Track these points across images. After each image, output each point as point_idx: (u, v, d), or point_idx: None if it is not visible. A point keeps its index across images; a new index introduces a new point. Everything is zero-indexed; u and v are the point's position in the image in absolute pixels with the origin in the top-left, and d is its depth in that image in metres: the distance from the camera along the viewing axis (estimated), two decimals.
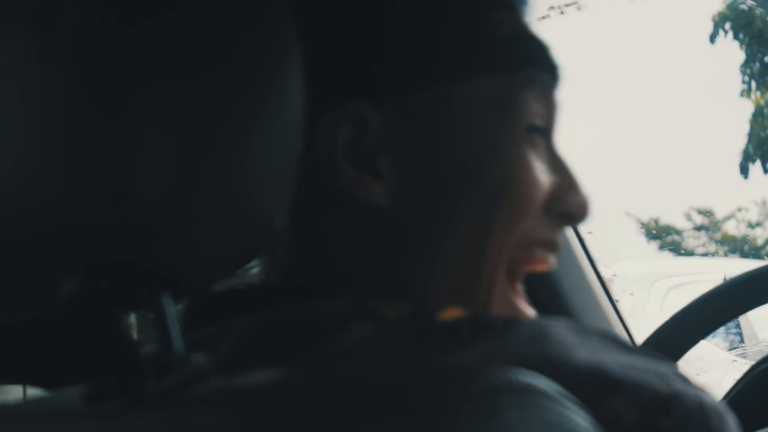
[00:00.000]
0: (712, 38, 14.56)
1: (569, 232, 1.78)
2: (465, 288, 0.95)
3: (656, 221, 18.36)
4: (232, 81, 0.72)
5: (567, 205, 1.00)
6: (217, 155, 0.71)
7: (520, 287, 1.01)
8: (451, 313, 0.82)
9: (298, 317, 0.88)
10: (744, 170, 15.97)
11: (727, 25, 14.25)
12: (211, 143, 0.70)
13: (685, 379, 0.78)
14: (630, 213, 17.54)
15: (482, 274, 0.96)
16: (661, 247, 18.71)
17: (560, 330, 0.80)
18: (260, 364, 0.76)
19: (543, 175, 0.99)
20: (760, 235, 17.95)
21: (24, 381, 0.77)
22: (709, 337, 1.77)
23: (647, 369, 0.77)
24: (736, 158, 15.59)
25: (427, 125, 0.97)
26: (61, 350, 0.69)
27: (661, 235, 18.62)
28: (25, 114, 0.69)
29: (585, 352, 0.78)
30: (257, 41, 0.74)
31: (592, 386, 0.74)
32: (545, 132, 1.02)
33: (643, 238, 18.18)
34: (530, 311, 1.02)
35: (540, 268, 1.02)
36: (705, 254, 17.18)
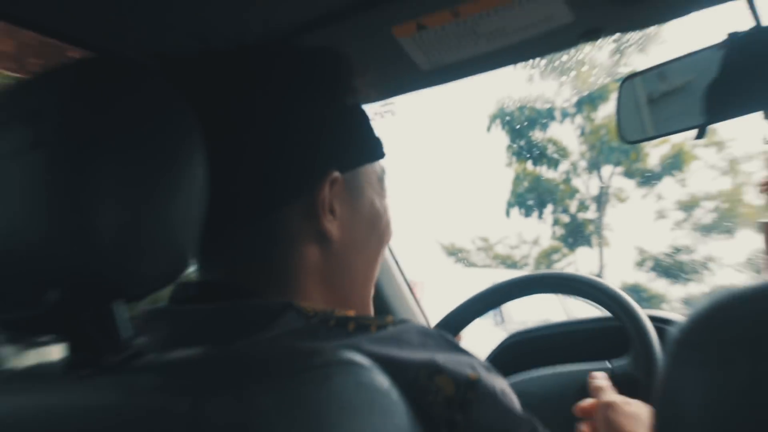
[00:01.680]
0: (489, 129, 15.88)
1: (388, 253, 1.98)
2: (364, 292, 1.11)
3: (453, 245, 19.15)
4: (154, 163, 0.78)
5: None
6: (146, 213, 0.77)
7: None
8: (349, 313, 0.93)
9: (247, 309, 0.96)
10: (507, 213, 15.91)
11: (498, 121, 15.90)
12: (143, 203, 0.76)
13: (488, 369, 0.90)
14: (437, 240, 19.05)
15: (370, 281, 1.12)
16: (456, 261, 19.30)
17: (409, 334, 0.90)
18: (212, 341, 0.85)
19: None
20: (517, 254, 18.12)
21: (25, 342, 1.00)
22: (482, 317, 1.80)
23: (464, 361, 0.88)
24: (502, 205, 15.97)
25: (358, 188, 1.11)
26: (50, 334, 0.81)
27: (456, 253, 19.03)
28: (23, 183, 0.74)
29: (423, 350, 0.87)
30: (174, 135, 0.81)
31: (427, 370, 0.84)
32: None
33: (444, 256, 18.97)
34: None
35: None
36: (485, 266, 14.25)
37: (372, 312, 1.14)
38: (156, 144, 0.79)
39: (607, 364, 1.61)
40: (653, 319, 1.54)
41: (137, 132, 0.78)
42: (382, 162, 1.17)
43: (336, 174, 1.06)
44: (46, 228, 0.74)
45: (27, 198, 0.75)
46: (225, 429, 0.67)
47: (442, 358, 0.87)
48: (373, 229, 1.12)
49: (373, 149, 1.15)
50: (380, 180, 1.16)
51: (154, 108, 0.81)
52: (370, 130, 1.15)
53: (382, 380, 0.77)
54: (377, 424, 0.75)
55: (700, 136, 1.38)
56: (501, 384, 0.90)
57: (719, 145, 15.52)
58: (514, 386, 1.63)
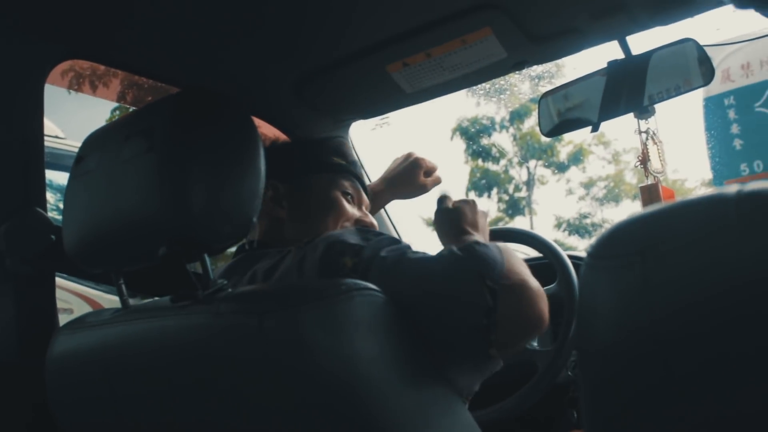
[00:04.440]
0: (451, 138, 15.71)
1: (389, 224, 1.82)
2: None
3: (430, 219, 13.30)
4: (229, 162, 0.77)
5: (362, 222, 1.15)
6: (227, 190, 0.76)
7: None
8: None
9: (266, 253, 1.03)
10: (467, 194, 15.72)
11: (457, 132, 15.77)
12: (222, 187, 0.75)
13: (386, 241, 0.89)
14: (419, 215, 14.82)
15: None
16: (433, 230, 13.08)
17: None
18: (252, 277, 0.97)
19: (350, 209, 1.16)
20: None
21: (144, 293, 1.07)
22: None
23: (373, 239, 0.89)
24: (464, 190, 15.80)
25: (303, 189, 1.16)
26: (160, 280, 0.81)
27: (432, 224, 13.32)
28: (140, 176, 0.74)
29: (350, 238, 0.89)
30: (243, 142, 0.79)
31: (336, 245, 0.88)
32: (355, 196, 1.19)
33: (424, 226, 14.23)
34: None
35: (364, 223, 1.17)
36: None
37: None
38: (230, 147, 0.79)
39: None
40: (571, 257, 1.51)
41: (218, 140, 0.78)
42: (344, 175, 1.20)
43: (276, 183, 1.15)
44: (156, 205, 0.74)
45: (144, 186, 0.75)
46: (281, 336, 0.68)
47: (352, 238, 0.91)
48: (322, 214, 1.15)
49: (316, 167, 1.18)
50: (335, 185, 1.18)
51: (228, 123, 0.80)
52: (312, 157, 1.20)
53: (384, 300, 0.76)
54: (381, 330, 0.75)
55: (594, 130, 1.39)
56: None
57: (606, 143, 15.51)
58: None
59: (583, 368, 0.58)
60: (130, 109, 1.61)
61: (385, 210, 1.82)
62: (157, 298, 0.90)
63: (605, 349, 0.54)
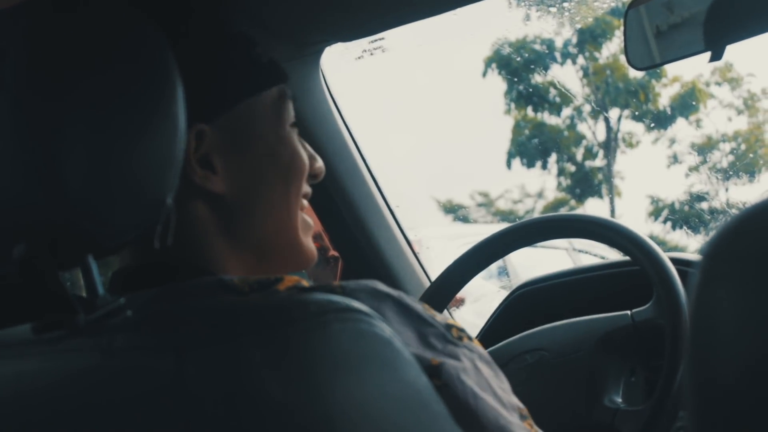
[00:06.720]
0: (484, 74, 15.62)
1: (384, 207, 1.97)
2: (285, 237, 1.08)
3: (450, 201, 16.11)
4: (126, 107, 0.78)
5: (314, 170, 1.13)
6: (120, 157, 0.76)
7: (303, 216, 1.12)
8: (287, 282, 0.87)
9: (185, 291, 0.91)
10: (508, 164, 15.77)
11: (494, 65, 15.63)
12: (114, 148, 0.76)
13: (453, 342, 0.90)
14: (432, 196, 16.57)
15: (292, 225, 1.09)
16: (454, 219, 18.46)
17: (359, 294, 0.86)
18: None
19: (303, 153, 1.11)
20: (521, 209, 15.61)
21: None
22: (488, 277, 1.98)
23: (426, 335, 0.88)
24: (503, 156, 15.74)
25: (239, 131, 1.05)
26: (13, 299, 0.78)
27: (454, 210, 14.12)
28: None
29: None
30: (152, 73, 0.81)
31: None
32: (294, 125, 1.14)
33: (441, 213, 14.41)
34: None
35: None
36: (485, 222, 14.06)
37: (307, 252, 1.12)
38: (129, 80, 0.79)
39: (627, 314, 1.57)
40: (675, 261, 1.49)
41: (107, 68, 0.78)
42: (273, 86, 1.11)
43: (201, 126, 1.01)
44: (8, 176, 0.74)
45: None
46: (212, 387, 0.68)
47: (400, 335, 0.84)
48: (275, 168, 1.08)
49: (248, 81, 1.08)
50: (274, 107, 1.10)
51: (126, 41, 0.80)
52: (237, 60, 1.08)
53: (383, 328, 0.76)
54: (378, 376, 0.75)
55: (715, 57, 1.37)
56: (469, 357, 0.89)
57: (734, 81, 15.22)
58: (523, 343, 1.67)
59: None
60: None
61: (389, 207, 1.95)
62: (9, 329, 0.89)
63: (739, 405, 0.53)
